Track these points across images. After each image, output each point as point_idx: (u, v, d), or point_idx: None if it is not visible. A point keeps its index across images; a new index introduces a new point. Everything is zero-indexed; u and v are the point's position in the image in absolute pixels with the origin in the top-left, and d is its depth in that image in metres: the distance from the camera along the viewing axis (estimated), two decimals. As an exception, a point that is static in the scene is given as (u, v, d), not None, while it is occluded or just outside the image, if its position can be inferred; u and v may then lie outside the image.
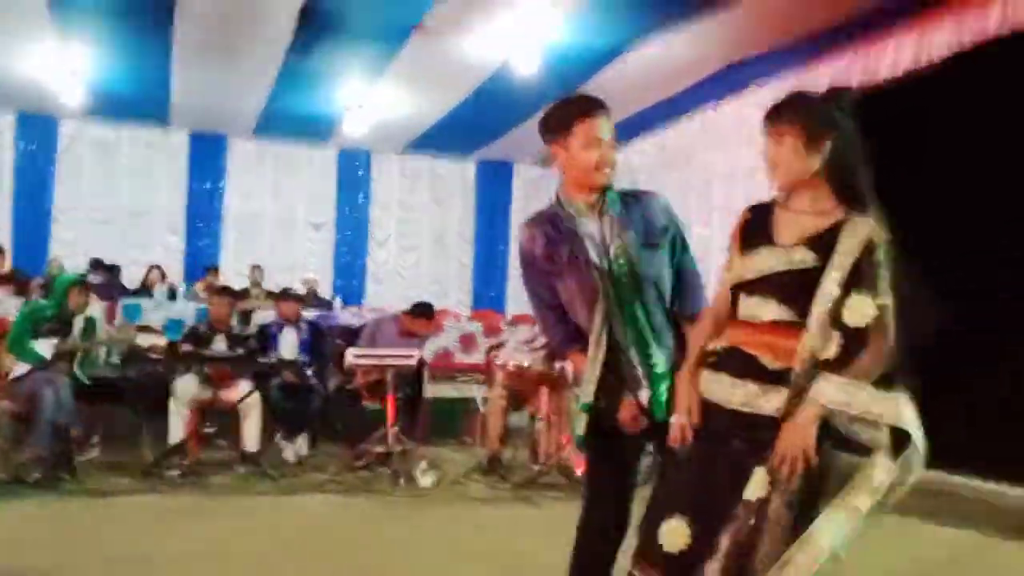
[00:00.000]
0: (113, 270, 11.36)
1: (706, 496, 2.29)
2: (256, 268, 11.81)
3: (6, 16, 8.57)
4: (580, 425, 2.72)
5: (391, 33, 8.72)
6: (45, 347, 5.85)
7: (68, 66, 9.53)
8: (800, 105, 2.34)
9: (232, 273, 12.73)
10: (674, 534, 2.28)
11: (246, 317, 10.02)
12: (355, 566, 4.07)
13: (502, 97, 10.12)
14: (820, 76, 8.40)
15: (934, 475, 6.38)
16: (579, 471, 6.04)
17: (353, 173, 13.64)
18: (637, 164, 11.65)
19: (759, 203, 2.48)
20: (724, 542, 2.22)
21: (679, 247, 2.79)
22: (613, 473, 2.76)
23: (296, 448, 6.74)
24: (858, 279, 2.21)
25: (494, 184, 14.22)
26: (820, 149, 2.28)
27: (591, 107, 2.70)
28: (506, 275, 14.06)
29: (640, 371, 2.66)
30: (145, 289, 11.00)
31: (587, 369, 2.67)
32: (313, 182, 13.59)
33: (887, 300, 2.21)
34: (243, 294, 11.19)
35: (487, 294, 13.97)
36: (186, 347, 6.39)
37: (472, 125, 11.78)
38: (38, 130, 12.31)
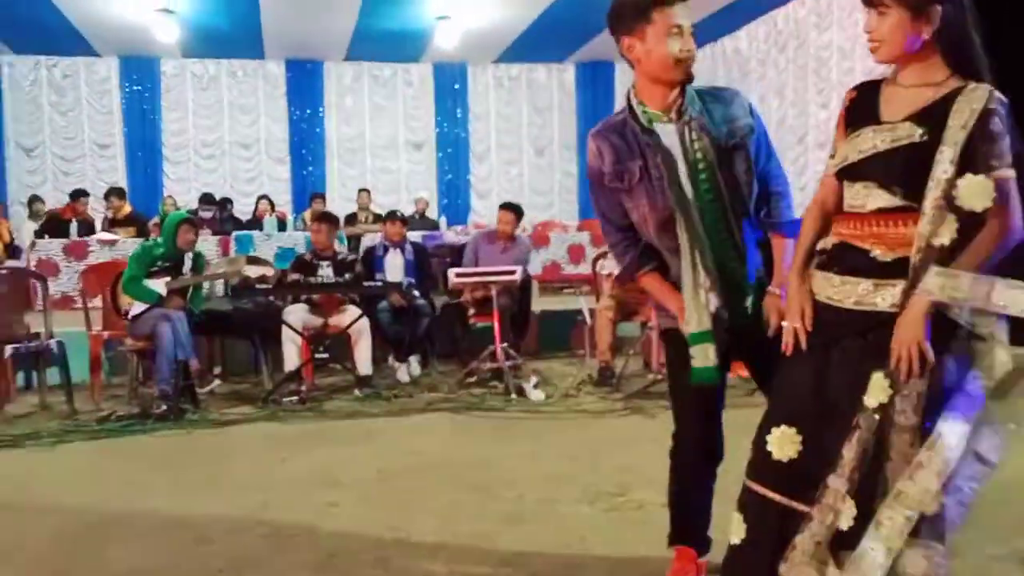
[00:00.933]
0: (224, 204, 11.62)
1: (818, 403, 2.14)
2: (363, 192, 11.86)
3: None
4: (708, 355, 2.45)
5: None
6: (159, 285, 5.97)
7: (159, 4, 9.60)
8: None
9: (340, 199, 12.90)
10: (782, 442, 2.16)
11: (356, 241, 10.13)
12: (468, 483, 4.03)
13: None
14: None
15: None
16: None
17: (449, 87, 13.48)
18: (747, 49, 11.10)
19: (867, 81, 2.27)
20: (847, 454, 2.05)
21: (764, 149, 2.54)
22: (706, 395, 2.57)
23: (409, 369, 6.77)
24: (973, 154, 1.99)
25: (595, 86, 13.82)
26: (929, 19, 2.04)
27: None
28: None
29: (731, 287, 2.48)
30: (256, 220, 11.22)
31: (687, 294, 2.46)
32: (410, 101, 13.52)
33: (1007, 173, 1.98)
34: (350, 219, 11.31)
35: (594, 202, 13.72)
36: (294, 276, 6.44)
37: (565, 26, 11.40)
38: (141, 71, 12.59)
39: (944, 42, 2.08)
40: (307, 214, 11.40)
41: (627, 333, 6.99)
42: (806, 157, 10.28)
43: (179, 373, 5.73)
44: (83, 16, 10.41)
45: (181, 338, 5.75)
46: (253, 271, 6.19)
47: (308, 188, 12.77)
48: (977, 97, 2.01)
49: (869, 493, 2.05)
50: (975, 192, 1.97)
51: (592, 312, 6.88)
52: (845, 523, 2.04)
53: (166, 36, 10.39)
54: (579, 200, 13.91)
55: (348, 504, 3.76)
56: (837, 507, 2.06)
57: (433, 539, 3.28)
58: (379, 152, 13.43)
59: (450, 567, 3.02)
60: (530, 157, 13.87)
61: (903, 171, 2.06)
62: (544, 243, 10.51)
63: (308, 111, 13.16)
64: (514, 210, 7.26)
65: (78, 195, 10.73)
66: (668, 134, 2.46)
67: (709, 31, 11.18)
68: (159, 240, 6.37)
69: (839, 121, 2.26)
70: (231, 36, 11.36)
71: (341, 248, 6.94)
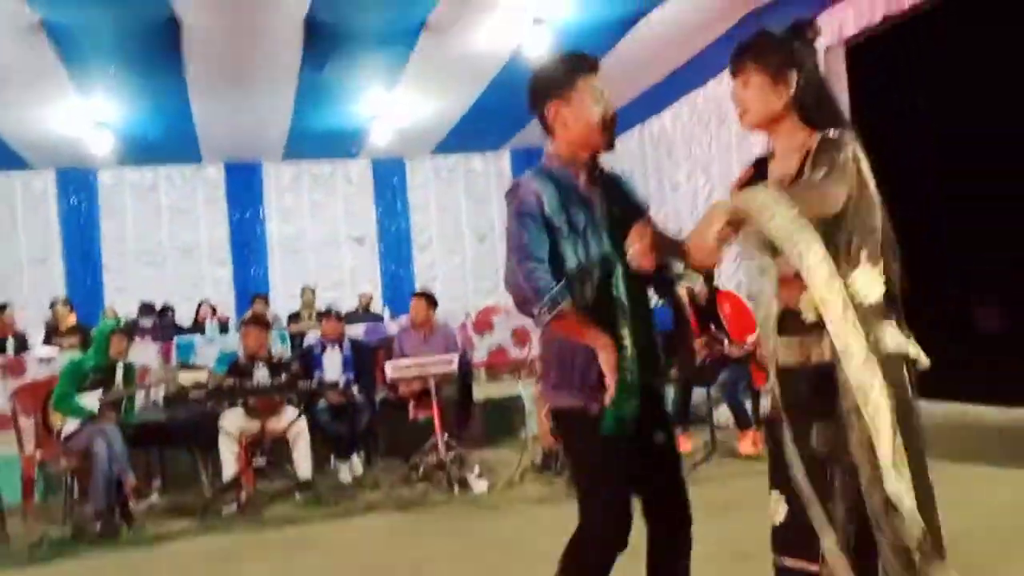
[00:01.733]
0: (165, 311, 11.52)
1: (785, 468, 2.25)
2: (307, 290, 11.83)
3: (26, 77, 8.69)
4: (631, 404, 2.32)
5: (400, 37, 8.63)
6: (91, 400, 5.88)
7: (92, 118, 9.69)
8: (762, 44, 2.32)
9: (284, 297, 12.86)
10: (775, 506, 2.29)
11: (301, 339, 10.06)
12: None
13: (521, 83, 9.93)
14: (840, 16, 8.10)
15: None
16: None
17: (388, 182, 13.64)
18: (672, 129, 11.40)
19: (760, 156, 2.45)
20: (837, 510, 2.15)
21: None
22: (622, 477, 2.45)
23: (351, 467, 6.68)
24: (816, 160, 2.18)
25: (531, 172, 14.06)
26: (787, 84, 2.26)
27: (593, 63, 2.56)
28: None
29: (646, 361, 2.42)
30: (198, 325, 11.13)
31: (626, 338, 2.34)
32: (350, 197, 13.62)
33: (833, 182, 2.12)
34: (294, 318, 11.27)
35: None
36: (229, 381, 6.38)
37: (497, 116, 11.63)
38: (78, 183, 12.56)
39: (802, 103, 2.28)
40: (248, 315, 11.35)
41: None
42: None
43: (114, 490, 5.61)
44: (16, 132, 10.44)
45: (116, 453, 5.65)
46: (187, 378, 6.12)
47: (251, 289, 12.69)
48: (822, 137, 2.21)
49: (865, 545, 2.10)
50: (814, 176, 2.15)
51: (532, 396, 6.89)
52: None
53: (101, 148, 10.44)
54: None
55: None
56: (834, 563, 2.12)
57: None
58: (321, 249, 13.47)
59: None
60: (472, 244, 13.99)
61: None
62: (487, 328, 10.52)
63: (248, 212, 13.20)
64: (426, 297, 7.31)
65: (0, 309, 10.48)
66: (592, 194, 2.50)
67: (635, 114, 11.50)
68: (89, 353, 6.30)
69: (731, 191, 2.39)
70: (167, 143, 11.44)
71: (278, 350, 6.88)
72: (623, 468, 2.43)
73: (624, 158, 13.18)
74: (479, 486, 5.92)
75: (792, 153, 2.28)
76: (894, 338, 2.16)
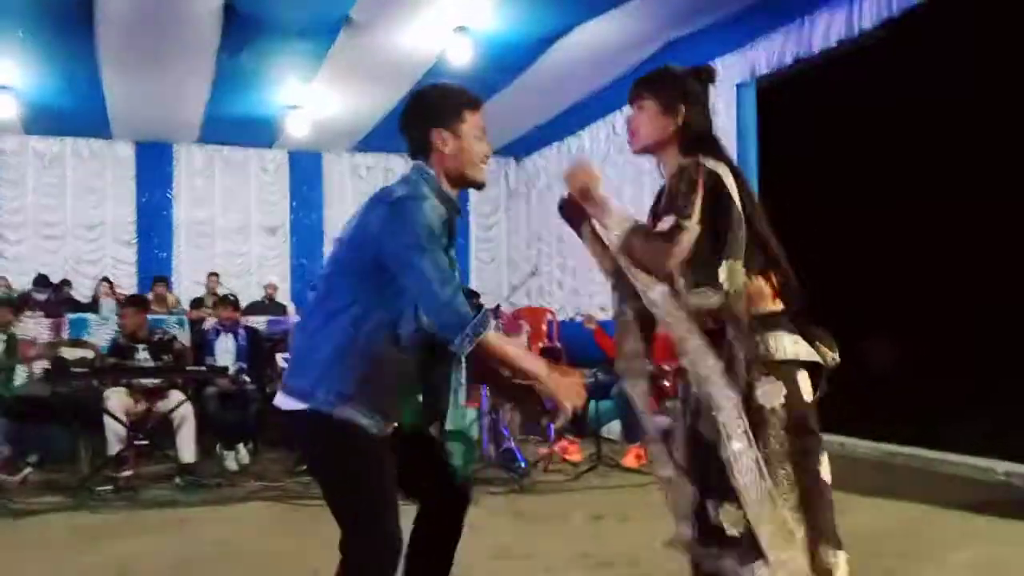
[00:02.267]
0: (61, 286, 11.23)
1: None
2: (212, 276, 11.68)
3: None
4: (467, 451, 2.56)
5: (319, 30, 8.61)
6: (-33, 369, 5.74)
7: (-3, 80, 9.43)
8: (660, 77, 2.59)
9: (187, 282, 12.65)
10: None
11: (200, 325, 9.92)
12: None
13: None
14: (753, 56, 8.43)
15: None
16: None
17: (304, 175, 13.53)
18: (590, 148, 11.60)
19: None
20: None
21: None
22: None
23: (237, 456, 6.65)
24: (668, 201, 2.40)
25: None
26: (676, 114, 2.49)
27: (479, 100, 2.58)
28: (468, 270, 14.05)
29: None
30: (95, 302, 10.88)
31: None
32: (264, 186, 13.48)
33: (686, 223, 2.31)
34: (196, 303, 11.11)
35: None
36: (111, 360, 6.26)
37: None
38: (-22, 147, 12.16)
39: (682, 134, 2.50)
40: (149, 296, 11.14)
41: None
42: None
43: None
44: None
45: (-14, 424, 5.52)
46: (72, 354, 6.02)
47: (155, 271, 12.44)
48: (681, 163, 2.43)
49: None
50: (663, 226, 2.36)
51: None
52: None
53: (5, 112, 10.13)
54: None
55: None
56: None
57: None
58: (230, 236, 13.27)
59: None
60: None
61: None
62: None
63: (157, 193, 12.94)
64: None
65: None
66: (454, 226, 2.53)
67: (554, 131, 11.71)
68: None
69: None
70: (76, 116, 11.15)
71: (158, 330, 6.77)
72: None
73: (541, 174, 13.40)
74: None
75: (673, 178, 2.44)
76: (791, 345, 2.41)
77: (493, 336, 2.31)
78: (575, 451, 6.87)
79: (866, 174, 7.37)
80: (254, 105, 10.85)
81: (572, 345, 9.51)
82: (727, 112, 9.14)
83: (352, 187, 13.75)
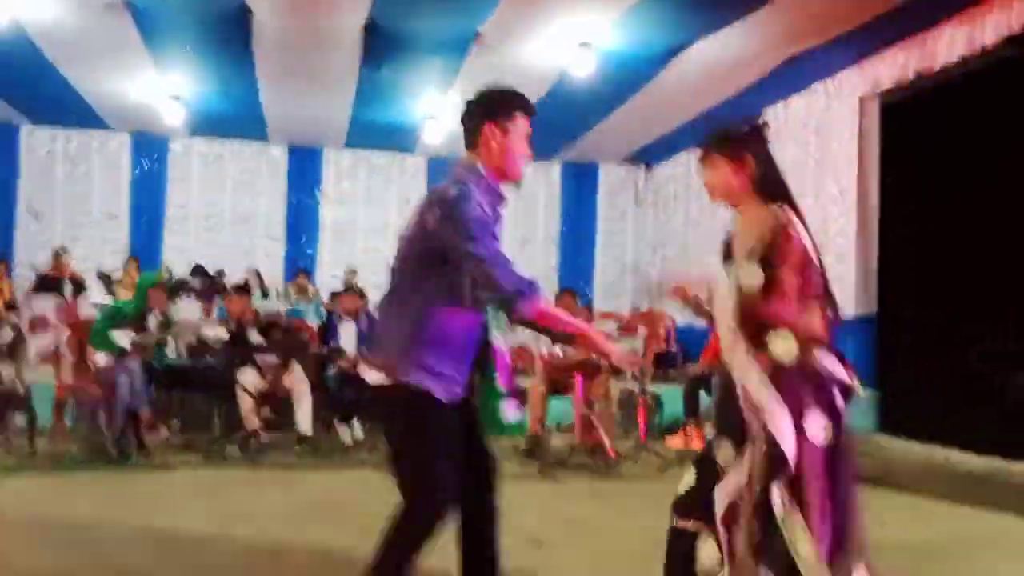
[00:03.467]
0: (216, 275, 12.29)
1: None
2: (351, 271, 12.52)
3: (108, 50, 9.47)
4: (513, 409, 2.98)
5: (452, 45, 9.19)
6: (123, 339, 6.56)
7: (166, 90, 10.49)
8: (723, 136, 2.85)
9: (328, 276, 13.55)
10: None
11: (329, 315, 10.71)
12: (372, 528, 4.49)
13: (567, 102, 10.45)
14: (876, 67, 8.47)
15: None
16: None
17: (440, 179, 14.18)
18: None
19: (729, 233, 2.92)
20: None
21: None
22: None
23: (352, 432, 7.24)
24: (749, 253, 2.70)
25: (579, 187, 14.56)
26: (744, 164, 2.77)
27: (532, 107, 2.94)
28: (592, 275, 14.42)
29: None
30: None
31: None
32: (404, 189, 14.25)
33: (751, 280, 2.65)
34: (335, 296, 11.93)
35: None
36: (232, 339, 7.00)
37: (548, 129, 12.08)
38: (151, 148, 13.44)
39: (758, 180, 2.77)
40: (291, 286, 12.10)
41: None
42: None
43: (130, 421, 6.28)
44: (97, 96, 11.28)
45: (136, 389, 6.31)
46: (211, 332, 6.77)
47: (301, 264, 13.42)
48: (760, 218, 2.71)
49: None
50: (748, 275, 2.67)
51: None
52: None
53: (173, 119, 11.24)
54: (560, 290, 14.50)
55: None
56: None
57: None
58: (370, 235, 14.12)
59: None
60: (515, 247, 14.48)
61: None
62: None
63: (305, 193, 13.95)
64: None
65: (58, 254, 11.40)
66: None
67: (683, 140, 11.94)
68: (129, 300, 7.00)
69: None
70: (235, 120, 12.21)
71: (263, 314, 7.51)
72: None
73: (670, 182, 13.64)
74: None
75: (752, 225, 2.74)
76: (834, 367, 2.68)
77: (543, 301, 2.69)
78: (699, 438, 7.18)
79: (988, 189, 7.30)
80: (395, 114, 11.58)
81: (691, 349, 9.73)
82: (850, 126, 9.21)
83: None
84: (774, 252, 2.64)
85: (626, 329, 10.19)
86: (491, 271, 2.66)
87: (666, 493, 2.81)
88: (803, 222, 2.74)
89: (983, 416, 6.99)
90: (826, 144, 9.73)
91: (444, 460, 2.76)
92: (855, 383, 2.72)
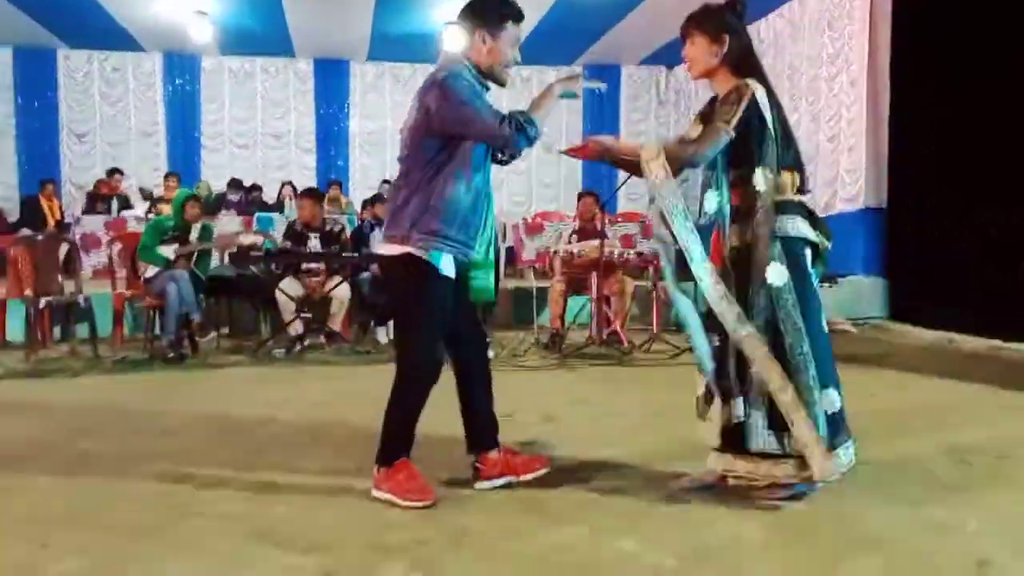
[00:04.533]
0: (252, 189, 12.77)
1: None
2: (385, 182, 12.91)
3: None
4: (489, 277, 3.41)
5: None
6: (168, 251, 7.06)
7: (193, 5, 10.79)
8: (704, 14, 3.15)
9: (360, 187, 13.99)
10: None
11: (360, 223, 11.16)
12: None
13: (585, 4, 10.61)
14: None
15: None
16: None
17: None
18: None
19: (712, 97, 3.28)
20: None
21: None
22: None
23: (387, 332, 7.74)
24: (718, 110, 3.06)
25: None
26: (721, 43, 3.08)
27: (522, 14, 3.18)
28: (615, 177, 14.64)
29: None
30: (280, 203, 12.36)
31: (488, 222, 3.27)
32: (428, 99, 14.50)
33: (722, 127, 2.99)
34: (367, 204, 12.37)
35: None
36: (286, 243, 7.47)
37: (567, 33, 12.31)
38: (183, 67, 13.81)
39: (731, 59, 3.09)
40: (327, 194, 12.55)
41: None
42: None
43: (182, 325, 6.83)
44: (129, 16, 11.63)
45: (185, 296, 6.82)
46: (247, 239, 7.25)
47: (333, 176, 13.85)
48: (731, 85, 3.04)
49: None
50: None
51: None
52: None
53: (201, 35, 11.57)
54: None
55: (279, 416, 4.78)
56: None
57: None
58: (398, 145, 14.43)
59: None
60: (539, 153, 14.76)
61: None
62: (539, 231, 11.40)
63: (334, 106, 14.29)
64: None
65: (112, 173, 12.04)
66: None
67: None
68: (170, 214, 7.47)
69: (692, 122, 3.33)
70: (262, 36, 12.51)
71: (330, 221, 7.91)
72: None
73: (689, 82, 13.73)
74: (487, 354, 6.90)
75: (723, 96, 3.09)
76: (802, 227, 3.08)
77: (536, 131, 3.09)
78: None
79: (1001, 77, 7.40)
80: (415, 23, 11.80)
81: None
82: (861, 15, 9.30)
83: (508, 96, 14.52)
84: (727, 114, 2.98)
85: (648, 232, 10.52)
86: (489, 123, 3.01)
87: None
88: (775, 100, 3.08)
89: (989, 303, 7.33)
90: (839, 37, 9.84)
91: (436, 327, 3.13)
92: (822, 240, 3.14)
